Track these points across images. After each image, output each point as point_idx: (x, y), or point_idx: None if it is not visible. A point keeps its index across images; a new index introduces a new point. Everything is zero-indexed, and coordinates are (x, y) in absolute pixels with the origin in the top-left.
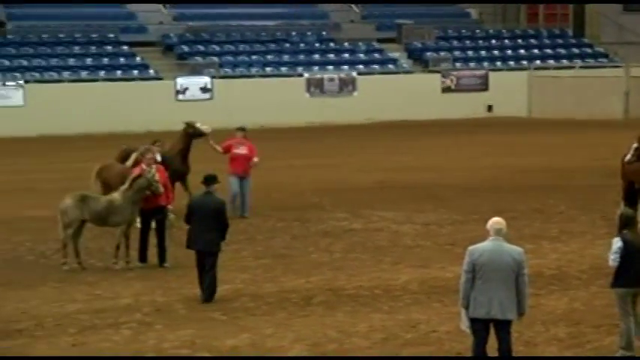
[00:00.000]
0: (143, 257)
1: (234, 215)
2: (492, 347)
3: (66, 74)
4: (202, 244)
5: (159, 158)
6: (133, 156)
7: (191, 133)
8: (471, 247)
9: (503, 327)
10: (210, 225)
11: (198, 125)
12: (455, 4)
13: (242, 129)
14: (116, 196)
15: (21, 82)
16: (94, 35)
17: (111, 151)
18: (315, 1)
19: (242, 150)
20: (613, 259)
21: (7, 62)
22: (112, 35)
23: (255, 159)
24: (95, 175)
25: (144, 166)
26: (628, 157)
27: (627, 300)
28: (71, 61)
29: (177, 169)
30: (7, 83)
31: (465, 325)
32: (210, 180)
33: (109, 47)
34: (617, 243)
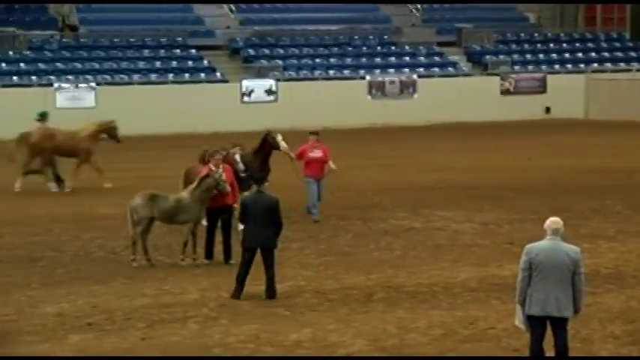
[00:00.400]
0: (209, 254)
1: (313, 217)
2: (549, 344)
3: (136, 77)
4: (260, 241)
5: (239, 160)
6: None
7: (270, 142)
8: (528, 246)
9: (559, 324)
10: (265, 222)
11: (278, 139)
12: (514, 9)
13: (315, 133)
14: (184, 194)
15: (93, 84)
16: (163, 39)
17: (178, 151)
18: (376, 2)
19: (317, 153)
20: None
21: (79, 65)
22: (180, 39)
23: (333, 166)
24: (183, 177)
25: (212, 166)
26: None
27: None
28: (141, 64)
29: (255, 171)
30: (79, 85)
31: (519, 321)
32: (260, 179)
33: (178, 51)
34: None
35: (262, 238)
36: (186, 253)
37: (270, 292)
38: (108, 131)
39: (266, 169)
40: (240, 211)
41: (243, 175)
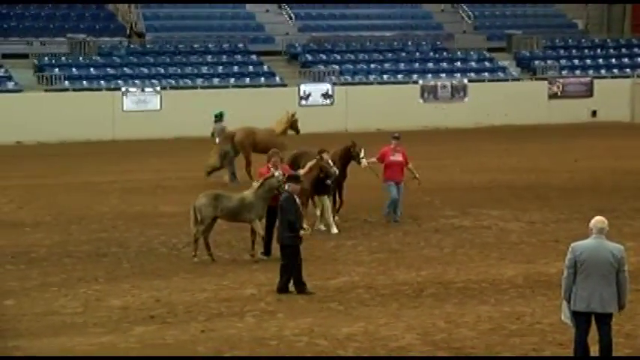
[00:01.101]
0: (267, 251)
1: (389, 220)
2: (594, 339)
3: (199, 81)
4: (278, 237)
5: (332, 164)
6: (308, 164)
7: (351, 153)
8: (573, 244)
9: (603, 320)
10: (280, 220)
11: (361, 154)
12: (563, 16)
13: (396, 137)
14: (247, 193)
15: (158, 88)
16: (225, 45)
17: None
18: (423, 1)
19: (397, 157)
20: None
21: (145, 70)
22: (241, 45)
23: (416, 174)
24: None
25: (270, 166)
26: None
27: None
28: (204, 69)
29: (337, 176)
30: (145, 89)
31: (565, 316)
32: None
33: (239, 56)
34: None
35: (278, 234)
36: (255, 249)
37: (278, 285)
38: (292, 124)
39: (344, 175)
40: None
41: (329, 182)
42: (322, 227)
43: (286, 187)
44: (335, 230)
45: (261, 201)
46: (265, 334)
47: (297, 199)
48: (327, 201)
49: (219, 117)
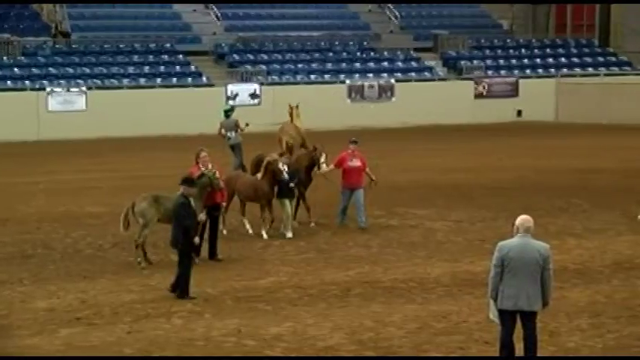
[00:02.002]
0: (197, 251)
1: (340, 225)
2: (518, 336)
3: (125, 81)
4: (172, 241)
5: (285, 168)
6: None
7: (313, 158)
8: (500, 243)
9: (529, 318)
10: (176, 224)
11: (322, 160)
12: (488, 16)
13: (354, 142)
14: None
15: (84, 88)
16: (151, 45)
17: (165, 152)
18: (349, 1)
19: (356, 163)
20: None
21: (71, 70)
22: (168, 45)
23: (373, 177)
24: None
25: (201, 166)
26: None
27: None
28: (130, 69)
29: (301, 180)
30: (71, 89)
31: (493, 314)
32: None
33: (166, 56)
34: None
35: (172, 239)
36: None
37: (178, 293)
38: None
39: (309, 179)
40: None
41: (292, 185)
42: (289, 234)
43: (181, 190)
44: (290, 235)
45: (198, 200)
46: (193, 335)
47: (193, 203)
48: (288, 205)
49: (230, 111)
